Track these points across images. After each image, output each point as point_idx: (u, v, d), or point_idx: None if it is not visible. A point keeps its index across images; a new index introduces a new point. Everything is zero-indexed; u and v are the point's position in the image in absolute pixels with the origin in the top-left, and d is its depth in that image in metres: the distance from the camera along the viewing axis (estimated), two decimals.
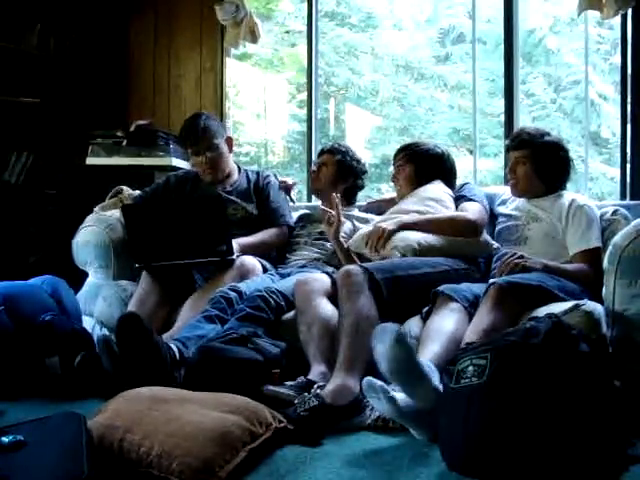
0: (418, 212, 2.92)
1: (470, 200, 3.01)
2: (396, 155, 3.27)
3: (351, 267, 2.57)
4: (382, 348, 1.98)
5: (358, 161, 3.50)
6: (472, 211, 2.94)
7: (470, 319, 2.37)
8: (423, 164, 3.16)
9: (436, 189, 3.07)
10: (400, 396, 1.95)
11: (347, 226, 3.20)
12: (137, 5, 4.61)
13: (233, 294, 2.77)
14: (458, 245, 2.86)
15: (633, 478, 1.70)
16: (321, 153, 3.56)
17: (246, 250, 3.11)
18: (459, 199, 3.04)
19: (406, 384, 1.96)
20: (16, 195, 4.18)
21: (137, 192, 3.55)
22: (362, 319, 2.38)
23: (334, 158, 3.45)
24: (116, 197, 3.54)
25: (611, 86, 5.84)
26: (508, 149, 3.05)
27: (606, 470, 1.71)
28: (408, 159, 3.19)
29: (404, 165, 3.19)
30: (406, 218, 2.87)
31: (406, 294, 2.59)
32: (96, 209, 3.49)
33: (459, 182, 3.27)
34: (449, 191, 3.09)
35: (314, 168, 3.52)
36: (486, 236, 2.94)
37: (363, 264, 2.62)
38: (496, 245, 2.93)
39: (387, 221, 2.88)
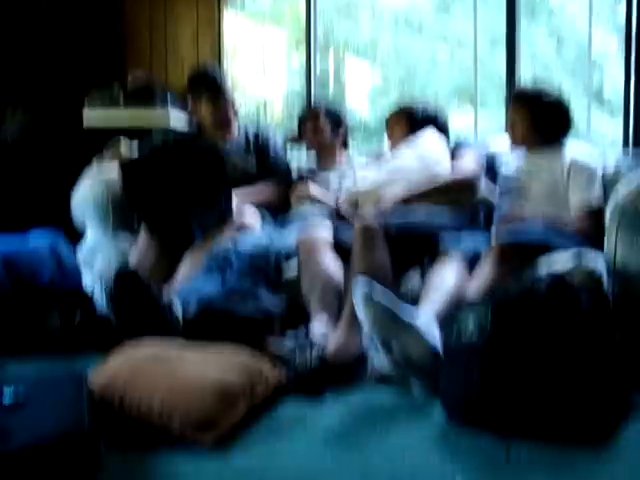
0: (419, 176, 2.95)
1: (465, 154, 3.02)
2: (389, 120, 3.34)
3: (368, 222, 2.57)
4: (359, 313, 2.01)
5: (335, 107, 3.54)
6: (467, 167, 2.95)
7: (470, 273, 2.37)
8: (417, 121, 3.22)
9: (431, 143, 3.08)
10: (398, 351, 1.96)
11: (347, 182, 3.20)
12: None
13: (230, 251, 2.76)
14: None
15: (632, 431, 1.72)
16: (303, 119, 3.52)
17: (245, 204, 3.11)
18: (457, 152, 3.06)
19: (393, 338, 1.97)
20: (13, 152, 4.14)
21: (135, 143, 3.52)
22: (375, 271, 2.37)
23: (320, 118, 3.43)
24: (114, 148, 3.51)
25: (615, 41, 5.76)
26: (507, 107, 3.05)
27: (607, 423, 1.72)
28: (400, 119, 3.26)
29: (398, 123, 3.26)
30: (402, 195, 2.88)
31: (415, 243, 2.61)
32: (94, 162, 3.47)
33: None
34: (441, 142, 3.10)
35: (307, 133, 3.49)
36: (483, 193, 2.96)
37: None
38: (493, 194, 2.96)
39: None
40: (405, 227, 2.62)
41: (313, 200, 3.17)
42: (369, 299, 1.98)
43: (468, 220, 2.86)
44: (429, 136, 3.11)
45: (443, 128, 3.25)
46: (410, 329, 1.97)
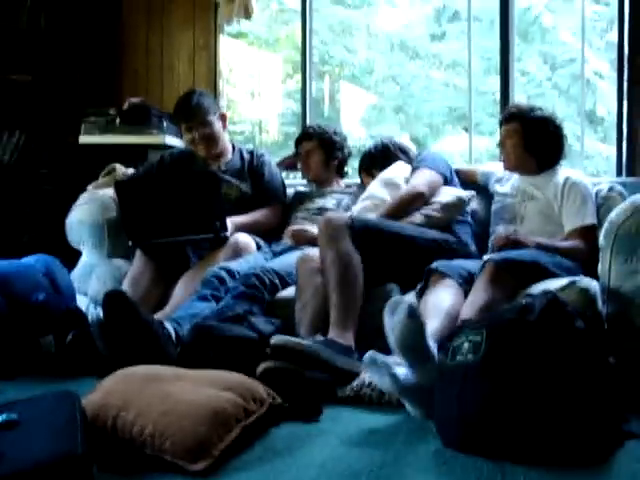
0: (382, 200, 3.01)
1: (416, 169, 3.06)
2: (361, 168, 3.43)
3: (332, 214, 2.67)
4: (393, 321, 1.98)
5: (335, 132, 3.53)
6: (416, 182, 2.98)
7: (465, 295, 2.37)
8: (378, 161, 3.30)
9: (393, 170, 3.16)
10: (401, 372, 1.95)
11: (345, 201, 3.24)
12: None
13: (224, 273, 2.76)
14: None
15: (628, 454, 1.71)
16: (299, 143, 3.56)
17: (240, 229, 3.10)
18: (412, 172, 3.10)
19: (413, 360, 1.95)
20: (9, 174, 4.15)
21: (130, 170, 3.53)
22: (346, 267, 2.46)
23: (315, 142, 3.46)
24: (110, 175, 3.52)
25: (607, 64, 5.82)
26: (500, 124, 3.05)
27: (601, 446, 1.71)
28: (371, 167, 3.34)
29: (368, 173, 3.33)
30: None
31: (384, 248, 2.63)
32: (90, 188, 3.47)
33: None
34: (407, 168, 3.15)
35: (301, 160, 3.53)
36: (457, 192, 2.99)
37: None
38: (470, 194, 2.99)
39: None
40: (373, 225, 2.67)
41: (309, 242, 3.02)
42: (415, 317, 1.97)
43: (456, 240, 2.87)
44: (395, 165, 3.19)
45: (400, 152, 3.32)
46: (427, 350, 1.97)
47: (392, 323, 1.98)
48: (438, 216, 2.88)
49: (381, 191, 3.04)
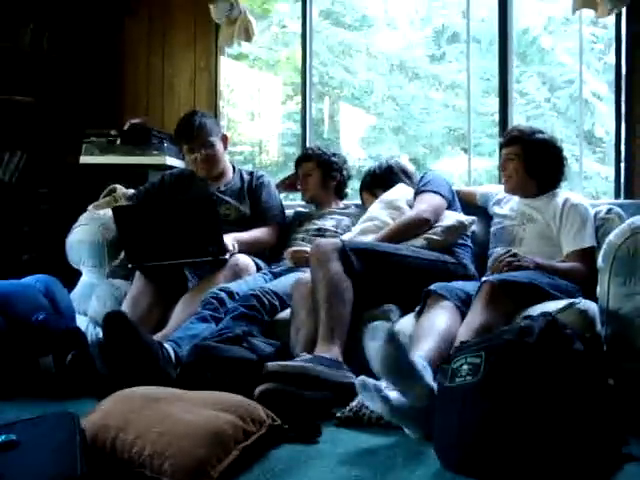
0: (383, 222, 3.01)
1: (422, 192, 3.05)
2: (363, 188, 3.42)
3: (322, 240, 2.73)
4: (373, 347, 1.97)
5: (334, 154, 3.56)
6: (423, 208, 2.96)
7: (462, 317, 2.37)
8: (381, 182, 3.29)
9: (395, 192, 3.16)
10: (393, 395, 1.95)
11: (344, 222, 3.25)
12: (131, 4, 4.58)
13: (223, 294, 2.77)
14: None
15: (627, 476, 1.71)
16: (298, 163, 3.60)
17: (240, 246, 3.10)
18: (417, 194, 3.09)
19: (399, 382, 1.95)
20: (10, 194, 4.16)
21: (131, 190, 3.54)
22: (334, 286, 2.48)
23: (314, 163, 3.49)
24: (110, 196, 3.53)
25: (605, 85, 5.85)
26: (501, 147, 3.06)
27: (601, 468, 1.71)
28: (373, 186, 3.33)
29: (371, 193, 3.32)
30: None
31: (380, 270, 2.65)
32: (90, 208, 3.48)
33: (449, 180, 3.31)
34: (409, 191, 3.15)
35: (299, 180, 3.56)
36: (458, 217, 2.98)
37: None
38: (471, 219, 2.98)
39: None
40: (365, 247, 2.69)
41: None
42: (394, 340, 1.96)
43: (453, 260, 2.87)
44: (397, 187, 3.19)
45: (403, 175, 3.32)
46: (413, 371, 1.97)
47: (373, 349, 1.98)
48: (439, 239, 2.87)
49: (382, 213, 3.03)
